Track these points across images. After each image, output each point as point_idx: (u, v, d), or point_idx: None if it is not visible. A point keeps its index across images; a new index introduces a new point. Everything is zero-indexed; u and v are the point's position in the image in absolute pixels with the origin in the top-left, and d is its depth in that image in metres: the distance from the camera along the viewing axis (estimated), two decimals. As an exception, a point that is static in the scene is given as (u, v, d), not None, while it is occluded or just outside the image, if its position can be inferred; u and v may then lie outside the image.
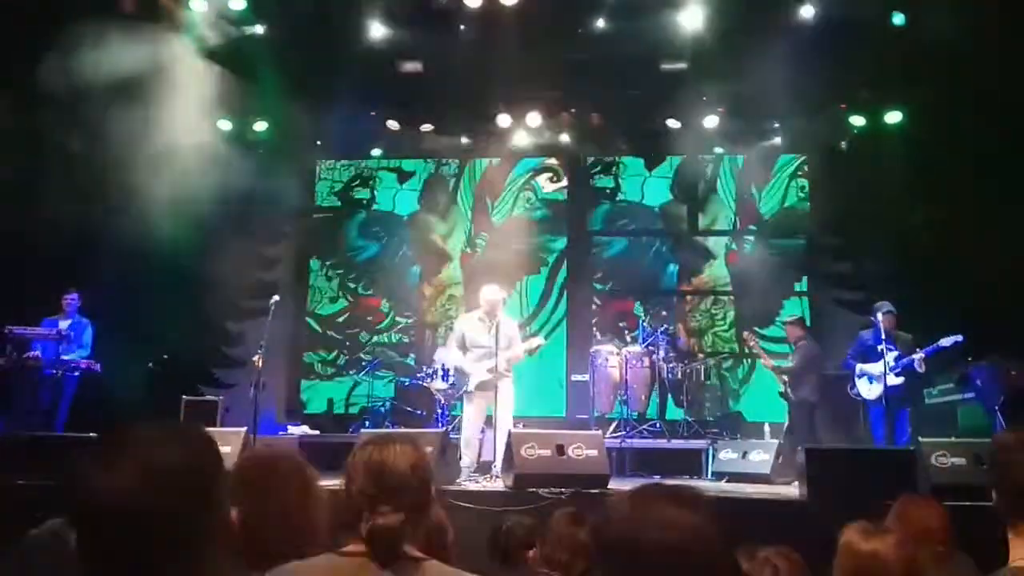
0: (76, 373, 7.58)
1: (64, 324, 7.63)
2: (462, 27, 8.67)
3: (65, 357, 7.51)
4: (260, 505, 1.85)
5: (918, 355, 7.01)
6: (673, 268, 10.53)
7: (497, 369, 6.59)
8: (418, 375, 9.18)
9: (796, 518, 4.96)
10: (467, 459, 6.69)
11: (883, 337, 7.05)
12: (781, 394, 8.10)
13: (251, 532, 1.77)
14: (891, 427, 7.03)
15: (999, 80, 7.50)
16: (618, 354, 8.95)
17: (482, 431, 7.03)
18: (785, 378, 8.03)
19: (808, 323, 9.73)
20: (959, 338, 6.84)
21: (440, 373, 8.90)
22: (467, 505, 5.08)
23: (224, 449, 4.67)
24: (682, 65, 8.90)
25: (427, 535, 2.12)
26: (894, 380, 7.11)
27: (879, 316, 7.17)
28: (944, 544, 2.62)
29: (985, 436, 5.88)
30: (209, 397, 8.33)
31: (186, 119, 8.70)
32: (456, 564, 2.07)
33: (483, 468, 6.74)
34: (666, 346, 8.97)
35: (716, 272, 10.44)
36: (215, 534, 1.13)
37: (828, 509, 4.83)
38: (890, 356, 7.15)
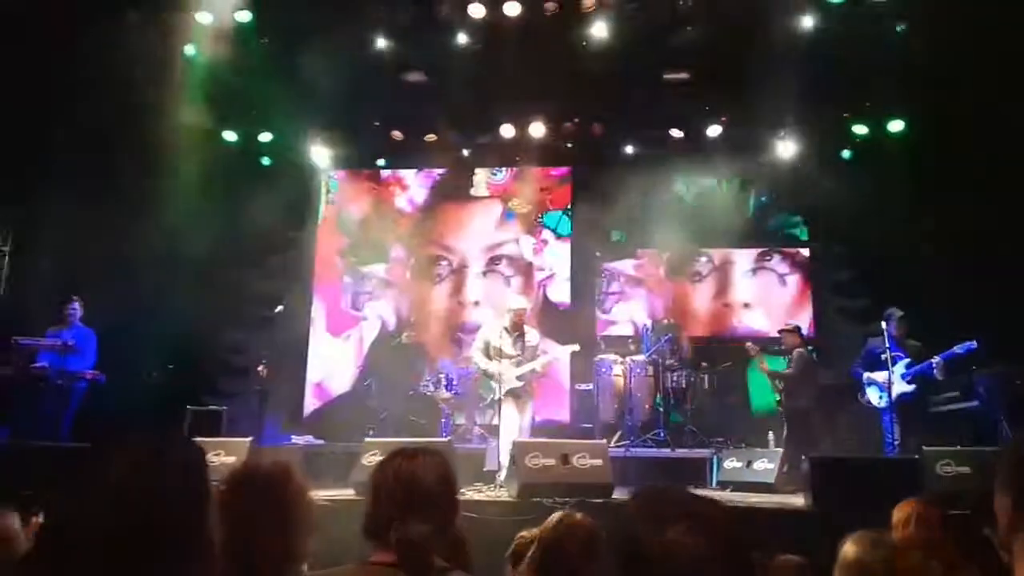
0: (81, 383, 7.60)
1: (68, 335, 7.66)
2: (465, 38, 8.72)
3: (70, 368, 7.53)
4: (246, 519, 1.85)
5: (936, 360, 6.93)
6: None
7: (524, 379, 6.75)
8: (422, 384, 9.19)
9: (801, 527, 4.95)
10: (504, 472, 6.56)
11: (892, 345, 7.03)
12: (778, 403, 8.11)
13: (236, 546, 1.77)
14: (904, 435, 7.00)
15: (1000, 86, 7.52)
16: (622, 363, 8.96)
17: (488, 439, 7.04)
18: (779, 385, 8.02)
19: (812, 332, 9.78)
20: (973, 344, 6.79)
21: (444, 382, 8.92)
22: (471, 515, 5.07)
23: (228, 459, 4.63)
24: (684, 75, 8.94)
25: (450, 546, 2.13)
26: (906, 387, 7.09)
27: (890, 324, 7.15)
28: (944, 551, 2.60)
29: (989, 445, 5.87)
30: (214, 407, 8.32)
31: (191, 129, 8.78)
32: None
33: (487, 477, 6.74)
34: (670, 355, 8.97)
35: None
36: (199, 554, 1.11)
37: (833, 518, 4.83)
38: (901, 364, 7.13)
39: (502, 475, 6.48)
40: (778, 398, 8.13)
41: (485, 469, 6.91)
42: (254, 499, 1.90)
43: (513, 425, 6.76)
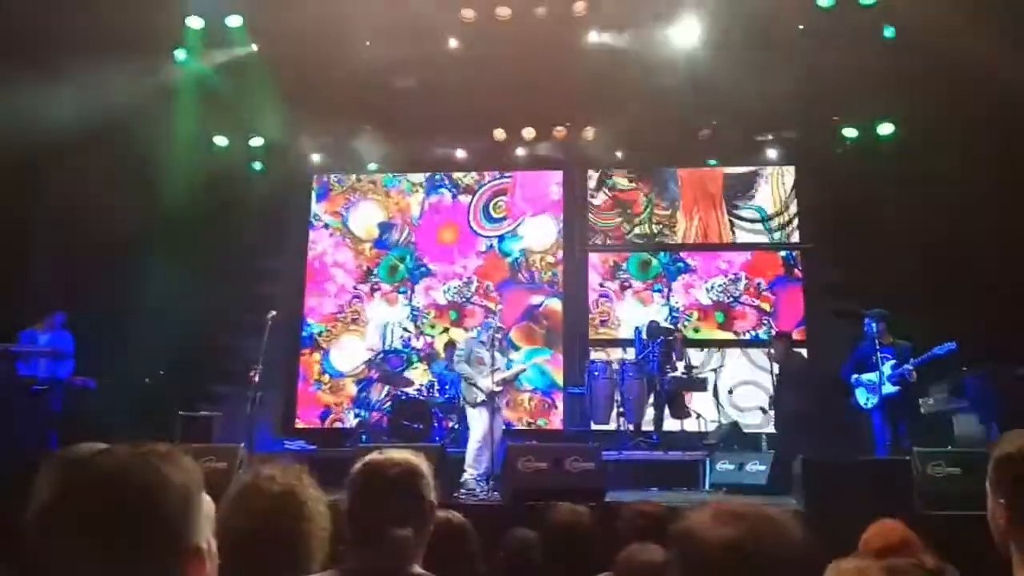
0: (65, 389, 7.56)
1: (44, 339, 7.62)
2: (456, 42, 8.73)
3: (58, 374, 7.49)
4: (256, 530, 1.83)
5: (908, 367, 7.01)
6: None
7: (495, 386, 7.20)
8: (416, 389, 9.18)
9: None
10: (471, 472, 6.92)
11: (876, 346, 7.07)
12: (769, 406, 8.15)
13: (244, 555, 1.75)
14: (894, 436, 7.03)
15: (989, 88, 7.58)
16: (615, 366, 8.97)
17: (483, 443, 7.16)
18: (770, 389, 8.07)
19: (802, 334, 9.82)
20: (952, 346, 6.85)
21: (437, 387, 8.92)
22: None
23: (219, 465, 4.62)
24: (676, 79, 8.96)
25: (442, 544, 2.12)
26: (890, 388, 7.13)
27: (874, 325, 7.19)
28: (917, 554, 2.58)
29: (980, 446, 5.90)
30: (205, 413, 8.28)
31: (183, 135, 8.77)
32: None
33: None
34: (663, 358, 8.97)
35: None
36: (183, 564, 1.10)
37: (825, 520, 4.84)
38: (887, 365, 7.17)
39: (466, 475, 6.85)
40: (768, 401, 8.17)
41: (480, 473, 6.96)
42: (267, 510, 1.87)
43: (482, 429, 7.15)
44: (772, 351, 8.41)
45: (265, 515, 1.83)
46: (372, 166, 10.90)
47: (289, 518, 1.85)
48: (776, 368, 8.24)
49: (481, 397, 7.26)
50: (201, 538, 1.13)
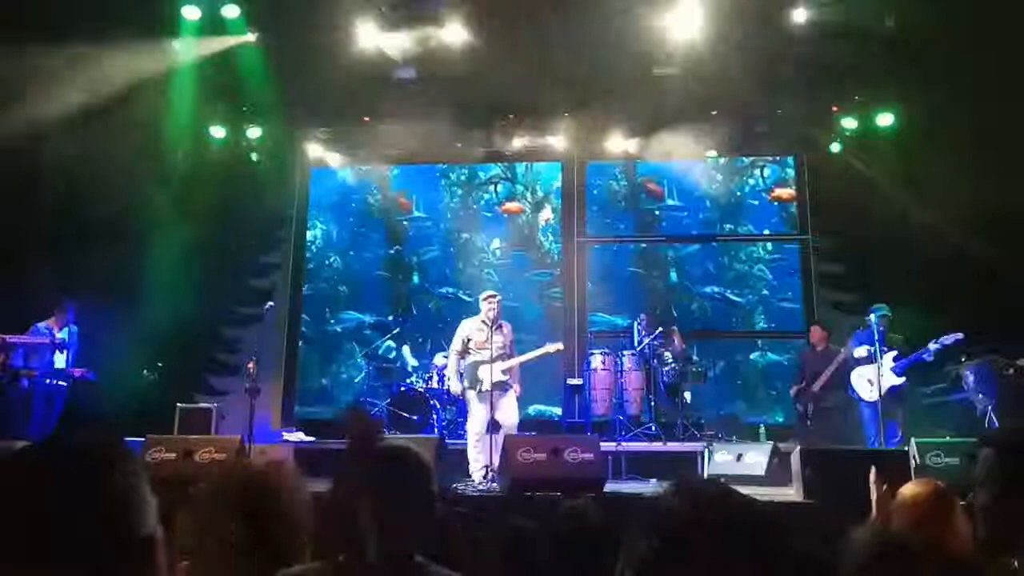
0: (70, 381, 7.56)
1: (61, 334, 7.62)
2: (455, 32, 8.68)
3: (60, 366, 7.49)
4: (235, 518, 1.82)
5: (933, 345, 6.96)
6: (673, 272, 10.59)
7: (508, 372, 6.85)
8: (414, 380, 9.17)
9: (792, 520, 4.96)
10: (479, 462, 6.72)
11: (878, 339, 7.08)
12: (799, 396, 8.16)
13: (220, 548, 1.74)
14: (895, 426, 7.06)
15: (987, 80, 7.56)
16: (613, 357, 8.97)
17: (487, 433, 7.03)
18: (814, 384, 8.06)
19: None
20: (959, 336, 6.87)
21: (436, 378, 8.91)
22: (461, 510, 5.07)
23: (219, 456, 4.64)
24: (674, 70, 8.93)
25: (437, 538, 2.12)
26: (897, 380, 7.16)
27: (873, 318, 7.20)
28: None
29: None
30: (204, 404, 8.29)
31: (180, 127, 8.73)
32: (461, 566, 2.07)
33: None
34: (661, 349, 8.98)
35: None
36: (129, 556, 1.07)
37: (824, 510, 4.85)
38: (888, 357, 7.19)
39: (472, 468, 6.68)
40: (795, 390, 8.23)
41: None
42: (244, 498, 1.87)
43: (481, 419, 6.81)
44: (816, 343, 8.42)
45: (237, 508, 1.83)
46: (366, 156, 10.84)
47: (262, 511, 1.85)
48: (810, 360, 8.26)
49: (484, 386, 6.81)
50: (149, 530, 1.08)
